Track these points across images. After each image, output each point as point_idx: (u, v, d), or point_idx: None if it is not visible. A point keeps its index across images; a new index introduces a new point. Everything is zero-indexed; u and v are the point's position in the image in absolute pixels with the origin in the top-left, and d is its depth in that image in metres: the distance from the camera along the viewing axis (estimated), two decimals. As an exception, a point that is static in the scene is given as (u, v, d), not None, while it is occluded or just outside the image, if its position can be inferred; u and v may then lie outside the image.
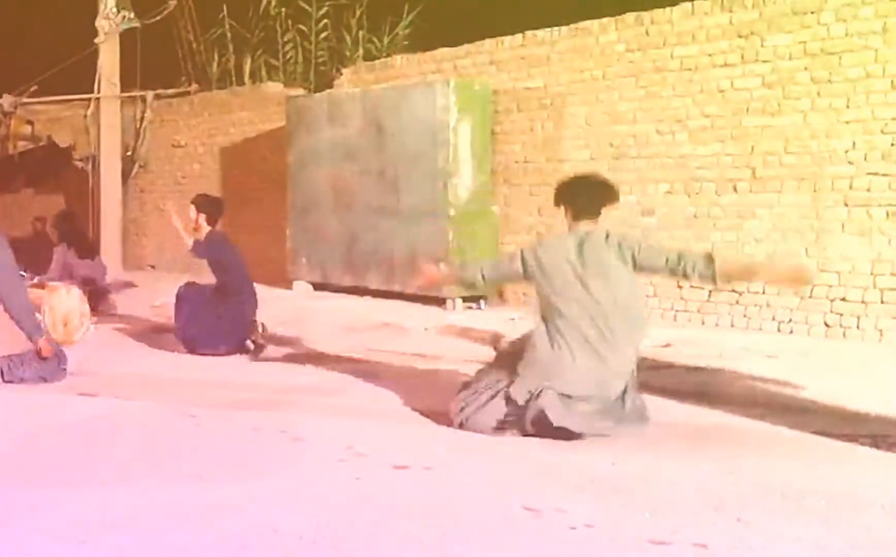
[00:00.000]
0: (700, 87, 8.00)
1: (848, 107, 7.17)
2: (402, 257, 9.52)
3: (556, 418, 4.32)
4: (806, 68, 7.38)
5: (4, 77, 14.01)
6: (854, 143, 7.15)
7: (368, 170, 9.86)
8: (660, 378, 5.79)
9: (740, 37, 7.75)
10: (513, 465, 4.02)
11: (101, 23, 13.18)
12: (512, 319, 8.14)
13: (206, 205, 7.50)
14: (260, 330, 7.22)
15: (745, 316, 7.70)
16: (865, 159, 7.10)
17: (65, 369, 5.89)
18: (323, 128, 10.37)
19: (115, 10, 13.11)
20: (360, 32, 13.31)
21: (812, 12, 7.34)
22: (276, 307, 8.13)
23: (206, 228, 7.34)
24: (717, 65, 7.90)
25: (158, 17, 13.48)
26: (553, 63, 9.09)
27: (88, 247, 10.00)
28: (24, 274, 6.33)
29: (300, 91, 12.21)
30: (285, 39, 13.74)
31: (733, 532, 3.20)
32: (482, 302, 9.29)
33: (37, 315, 6.02)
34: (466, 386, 4.74)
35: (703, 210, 8.02)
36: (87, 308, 6.15)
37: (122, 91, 13.57)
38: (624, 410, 4.52)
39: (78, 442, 4.44)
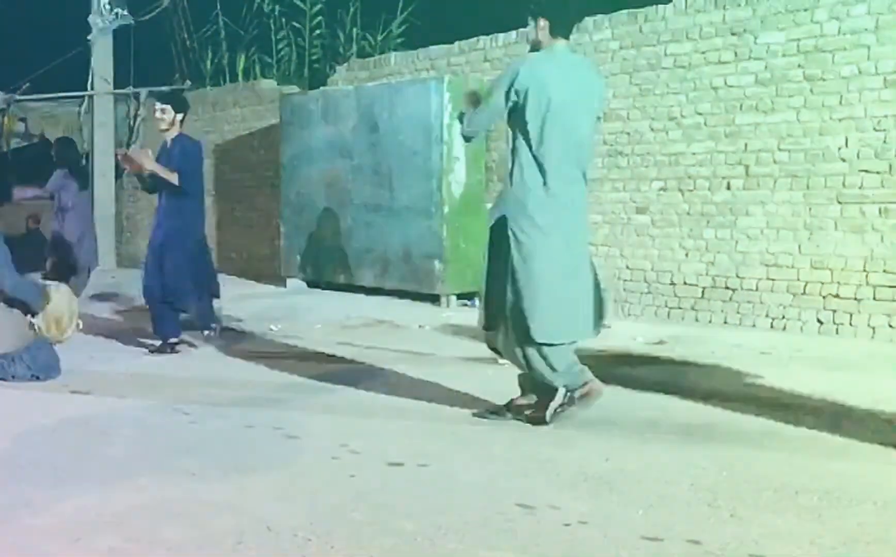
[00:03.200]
0: (693, 85, 8.02)
1: (841, 104, 7.19)
2: (396, 254, 9.52)
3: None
4: (799, 66, 7.39)
5: (-2, 74, 13.98)
6: (847, 141, 7.17)
7: (362, 168, 9.86)
8: (653, 374, 5.81)
9: (734, 34, 7.77)
10: (507, 462, 4.03)
11: (94, 20, 13.17)
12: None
13: (183, 102, 7.05)
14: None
15: (738, 313, 7.72)
16: (858, 157, 7.12)
17: (58, 367, 5.88)
18: (317, 125, 10.37)
19: (108, 6, 13.09)
20: (355, 30, 13.29)
21: (805, 10, 7.36)
22: (269, 304, 8.13)
23: (177, 131, 6.84)
24: (710, 62, 7.92)
25: (152, 14, 13.45)
26: (547, 60, 9.07)
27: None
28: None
29: (294, 88, 12.19)
30: (279, 36, 13.70)
31: (726, 528, 3.21)
32: (476, 299, 9.27)
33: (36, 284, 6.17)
34: None
35: (697, 207, 8.04)
36: (76, 305, 6.18)
37: (115, 88, 13.55)
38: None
39: (71, 440, 4.43)
